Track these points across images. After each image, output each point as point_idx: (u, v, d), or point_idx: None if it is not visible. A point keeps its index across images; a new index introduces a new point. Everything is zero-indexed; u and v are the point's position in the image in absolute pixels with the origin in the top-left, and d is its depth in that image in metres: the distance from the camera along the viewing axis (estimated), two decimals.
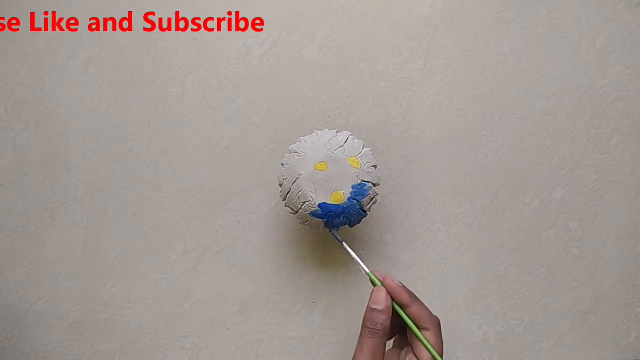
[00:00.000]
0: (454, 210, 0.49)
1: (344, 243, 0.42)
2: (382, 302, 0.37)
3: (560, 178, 0.49)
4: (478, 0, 0.49)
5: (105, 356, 0.50)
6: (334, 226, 0.43)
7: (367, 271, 0.40)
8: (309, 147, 0.42)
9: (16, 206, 0.50)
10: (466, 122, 0.49)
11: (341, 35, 0.49)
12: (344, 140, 0.42)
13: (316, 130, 0.44)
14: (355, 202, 0.42)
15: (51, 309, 0.50)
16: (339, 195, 0.42)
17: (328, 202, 0.42)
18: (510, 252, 0.49)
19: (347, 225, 0.43)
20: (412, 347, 0.38)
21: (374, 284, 0.39)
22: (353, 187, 0.42)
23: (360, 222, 0.44)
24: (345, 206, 0.42)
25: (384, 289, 0.38)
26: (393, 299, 0.38)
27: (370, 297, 0.38)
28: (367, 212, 0.43)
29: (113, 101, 0.50)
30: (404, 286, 0.38)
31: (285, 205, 0.43)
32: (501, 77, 0.49)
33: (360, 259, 0.41)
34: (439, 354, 0.36)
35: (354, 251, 0.42)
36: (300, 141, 0.43)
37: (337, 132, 0.43)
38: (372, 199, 0.43)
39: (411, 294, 0.38)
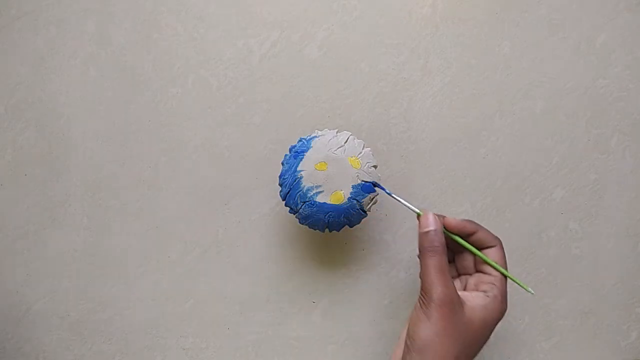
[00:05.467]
0: (454, 210, 0.49)
1: (392, 194, 0.42)
2: (432, 223, 0.39)
3: (560, 178, 0.49)
4: (478, 0, 0.49)
5: (105, 356, 0.50)
6: (334, 227, 0.43)
7: (418, 211, 0.41)
8: (309, 147, 0.42)
9: (16, 206, 0.50)
10: (466, 122, 0.49)
11: (341, 35, 0.49)
12: (344, 140, 0.42)
13: (316, 130, 0.44)
14: (355, 202, 0.42)
15: (51, 309, 0.50)
16: (339, 195, 0.42)
17: (328, 202, 0.42)
18: (510, 252, 0.49)
19: (347, 226, 0.43)
20: (480, 271, 0.40)
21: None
22: (353, 187, 0.42)
23: (360, 222, 0.44)
24: (345, 206, 0.42)
25: (430, 212, 0.39)
26: (458, 232, 0.40)
27: (420, 224, 0.39)
28: (367, 212, 0.43)
29: (113, 101, 0.50)
30: (463, 219, 0.40)
31: (285, 205, 0.43)
32: (501, 77, 0.49)
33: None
34: (505, 268, 0.39)
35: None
36: (300, 141, 0.43)
37: (337, 132, 0.43)
38: (372, 199, 0.43)
39: (473, 222, 0.40)
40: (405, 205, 0.41)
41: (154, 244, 0.50)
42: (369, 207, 0.43)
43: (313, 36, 0.49)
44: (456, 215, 0.49)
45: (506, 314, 0.48)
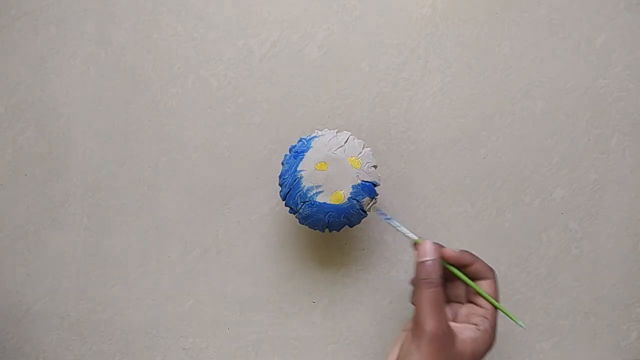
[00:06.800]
0: (454, 210, 0.49)
1: (390, 220, 0.42)
2: (430, 253, 0.38)
3: (560, 178, 0.49)
4: (478, 0, 0.49)
5: (105, 356, 0.50)
6: (334, 227, 0.43)
7: (416, 238, 0.41)
8: (309, 147, 0.42)
9: (16, 206, 0.50)
10: (466, 122, 0.49)
11: (341, 35, 0.49)
12: (344, 140, 0.42)
13: (316, 130, 0.44)
14: (355, 202, 0.42)
15: (51, 309, 0.50)
16: (339, 195, 0.42)
17: (328, 202, 0.42)
18: (510, 252, 0.49)
19: (347, 226, 0.43)
20: (472, 302, 0.40)
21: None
22: (353, 187, 0.42)
23: (360, 222, 0.44)
24: (345, 206, 0.42)
25: (428, 241, 0.39)
26: (455, 264, 0.40)
27: (418, 253, 0.39)
28: (367, 212, 0.43)
29: (113, 101, 0.50)
30: (461, 250, 0.40)
31: (285, 205, 0.43)
32: (501, 77, 0.49)
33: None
34: (497, 300, 0.39)
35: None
36: (300, 141, 0.43)
37: (337, 132, 0.43)
38: (372, 199, 0.43)
39: (470, 254, 0.40)
40: (402, 232, 0.41)
41: (154, 244, 0.50)
42: (369, 207, 0.43)
43: (313, 36, 0.49)
44: (456, 215, 0.49)
45: None
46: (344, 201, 0.42)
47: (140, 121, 0.50)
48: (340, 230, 0.44)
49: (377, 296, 0.49)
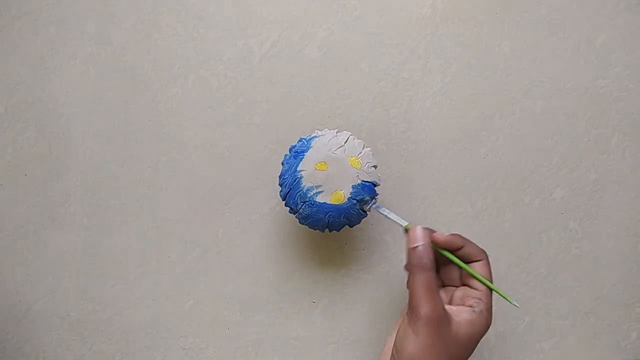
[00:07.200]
0: (454, 210, 0.49)
1: (380, 208, 0.42)
2: (420, 238, 0.38)
3: (560, 178, 0.49)
4: (478, 0, 0.49)
5: (105, 356, 0.50)
6: (334, 227, 0.43)
7: (405, 224, 0.41)
8: (309, 147, 0.42)
9: (16, 206, 0.50)
10: (466, 122, 0.49)
11: (341, 35, 0.49)
12: (344, 140, 0.42)
13: (316, 130, 0.44)
14: (355, 202, 0.42)
15: (51, 309, 0.50)
16: (339, 195, 0.42)
17: (328, 202, 0.42)
18: (510, 252, 0.49)
19: (347, 226, 0.43)
20: (466, 285, 0.40)
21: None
22: (353, 187, 0.42)
23: (360, 222, 0.44)
24: (345, 206, 0.42)
25: (418, 226, 0.39)
26: (446, 247, 0.40)
27: (408, 239, 0.39)
28: (367, 212, 0.43)
29: (113, 101, 0.50)
30: (451, 234, 0.40)
31: (285, 205, 0.43)
32: (501, 77, 0.49)
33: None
34: (490, 281, 0.39)
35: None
36: (300, 141, 0.43)
37: (337, 132, 0.43)
38: (372, 198, 0.43)
39: (460, 236, 0.40)
40: (392, 219, 0.41)
41: (154, 244, 0.50)
42: (369, 207, 0.43)
43: (313, 36, 0.49)
44: (456, 215, 0.49)
45: (506, 313, 0.49)
46: (344, 201, 0.42)
47: (140, 121, 0.50)
48: (340, 230, 0.44)
49: (377, 296, 0.49)
